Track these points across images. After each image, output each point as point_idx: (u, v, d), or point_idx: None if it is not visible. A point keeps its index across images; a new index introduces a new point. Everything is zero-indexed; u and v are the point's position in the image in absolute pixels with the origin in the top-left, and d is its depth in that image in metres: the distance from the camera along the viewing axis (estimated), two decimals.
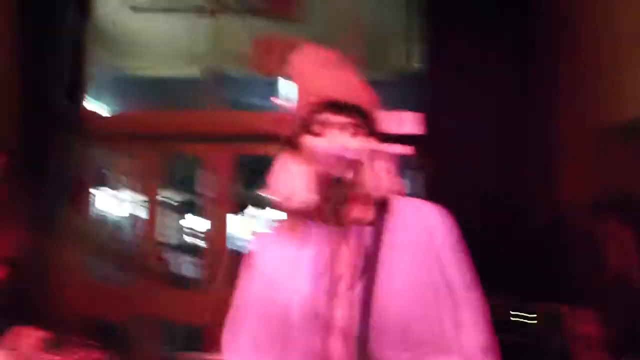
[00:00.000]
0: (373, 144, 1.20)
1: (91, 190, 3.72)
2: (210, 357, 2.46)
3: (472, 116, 3.09)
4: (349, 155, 1.14)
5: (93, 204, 3.87)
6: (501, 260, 2.75)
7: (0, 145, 2.02)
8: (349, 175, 1.14)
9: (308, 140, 1.18)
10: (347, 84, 1.21)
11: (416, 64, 3.70)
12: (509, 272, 2.71)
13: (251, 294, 1.27)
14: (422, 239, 1.18)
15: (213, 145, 3.55)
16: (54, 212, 3.18)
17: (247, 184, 4.42)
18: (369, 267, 1.14)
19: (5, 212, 2.00)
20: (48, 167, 3.14)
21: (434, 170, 3.15)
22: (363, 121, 1.18)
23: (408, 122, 3.28)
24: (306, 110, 1.18)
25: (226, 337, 1.29)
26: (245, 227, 5.50)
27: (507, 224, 2.95)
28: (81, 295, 3.43)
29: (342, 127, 1.17)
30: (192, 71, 4.90)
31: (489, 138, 3.08)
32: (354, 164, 1.15)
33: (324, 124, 1.17)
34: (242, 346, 1.27)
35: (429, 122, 3.20)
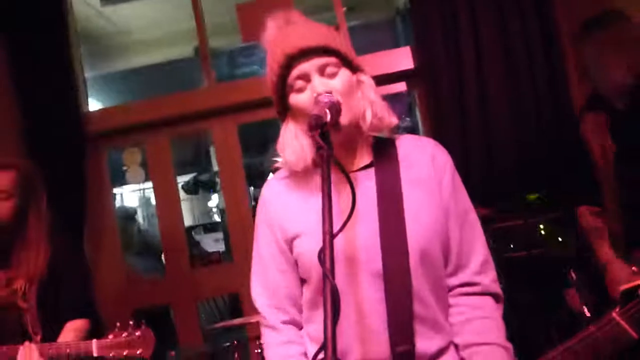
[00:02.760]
0: (355, 77, 1.21)
1: (111, 189, 3.76)
2: (250, 320, 2.55)
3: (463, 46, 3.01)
4: (333, 98, 1.13)
5: (115, 201, 3.93)
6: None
7: (7, 163, 2.04)
8: (341, 119, 1.14)
9: (293, 100, 1.20)
10: (310, 32, 1.20)
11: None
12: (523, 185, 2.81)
13: (266, 242, 1.31)
14: (428, 171, 1.23)
15: (217, 119, 3.54)
16: (80, 219, 3.24)
17: (258, 152, 4.44)
18: (388, 204, 1.18)
19: (23, 229, 2.03)
20: (63, 176, 3.17)
21: (430, 104, 3.11)
22: (339, 60, 1.19)
23: (399, 59, 3.22)
24: (279, 71, 1.19)
25: (254, 288, 1.35)
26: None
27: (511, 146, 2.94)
28: (122, 288, 3.54)
29: (318, 71, 1.17)
30: (181, 51, 4.89)
31: (484, 65, 2.99)
32: (340, 106, 1.14)
33: (300, 77, 1.17)
34: (266, 294, 1.32)
35: (420, 56, 3.13)
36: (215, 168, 4.97)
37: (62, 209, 2.59)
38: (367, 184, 1.21)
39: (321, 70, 1.17)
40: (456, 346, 1.21)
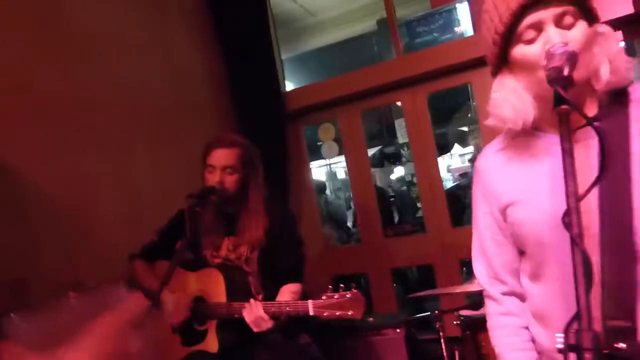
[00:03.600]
0: (593, 29, 1.08)
1: (309, 163, 3.99)
2: (443, 291, 2.52)
3: None
4: (569, 49, 1.00)
5: (312, 175, 4.17)
6: None
7: (233, 141, 2.22)
8: (575, 72, 0.99)
9: (520, 51, 1.10)
10: None
11: None
12: None
13: (482, 213, 1.27)
14: None
15: (407, 89, 3.54)
16: (284, 191, 3.50)
17: (446, 123, 4.34)
18: (613, 161, 1.04)
19: (245, 200, 2.20)
20: (267, 152, 3.43)
21: None
22: (577, 9, 1.06)
23: (613, 6, 2.85)
24: (508, 20, 1.08)
25: (473, 259, 1.32)
26: (453, 165, 5.45)
27: None
28: (320, 256, 3.77)
29: (554, 20, 1.05)
30: (362, 27, 4.95)
31: None
32: (577, 59, 1.01)
33: (533, 25, 1.07)
34: (484, 265, 1.29)
35: None
36: (400, 140, 5.00)
37: (269, 182, 2.84)
38: (591, 141, 1.08)
39: (558, 20, 1.05)
40: None
